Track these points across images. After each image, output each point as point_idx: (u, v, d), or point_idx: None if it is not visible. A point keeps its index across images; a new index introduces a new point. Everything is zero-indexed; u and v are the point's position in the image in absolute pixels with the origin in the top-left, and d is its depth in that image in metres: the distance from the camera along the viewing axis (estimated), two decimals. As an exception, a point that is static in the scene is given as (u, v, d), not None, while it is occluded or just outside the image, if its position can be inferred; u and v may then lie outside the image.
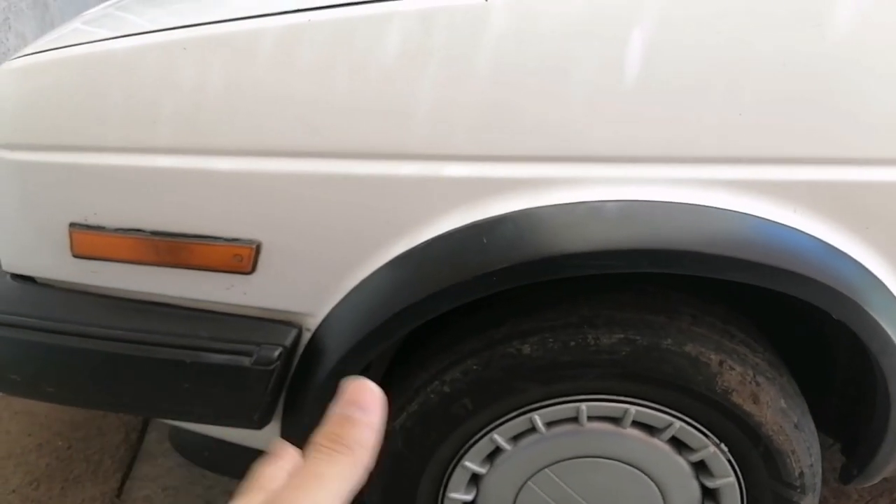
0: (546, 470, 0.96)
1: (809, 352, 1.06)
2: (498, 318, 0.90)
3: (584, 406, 0.90)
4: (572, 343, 0.85)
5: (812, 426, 0.94)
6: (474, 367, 0.88)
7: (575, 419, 0.92)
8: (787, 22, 0.72)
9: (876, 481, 1.05)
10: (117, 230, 0.86)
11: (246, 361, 0.86)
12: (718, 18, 0.72)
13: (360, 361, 0.86)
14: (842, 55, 0.72)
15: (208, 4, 0.92)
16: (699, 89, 0.73)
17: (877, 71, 0.72)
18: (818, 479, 0.96)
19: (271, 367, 0.86)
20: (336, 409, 0.29)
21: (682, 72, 0.73)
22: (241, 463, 1.10)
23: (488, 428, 0.93)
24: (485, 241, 0.78)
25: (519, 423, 0.92)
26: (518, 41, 0.74)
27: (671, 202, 0.76)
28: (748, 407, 0.87)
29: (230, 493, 1.42)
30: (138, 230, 0.85)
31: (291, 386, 0.91)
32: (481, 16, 0.75)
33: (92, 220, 0.87)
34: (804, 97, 0.73)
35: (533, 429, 0.93)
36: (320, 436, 0.28)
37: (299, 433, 0.93)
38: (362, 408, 0.28)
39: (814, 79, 0.73)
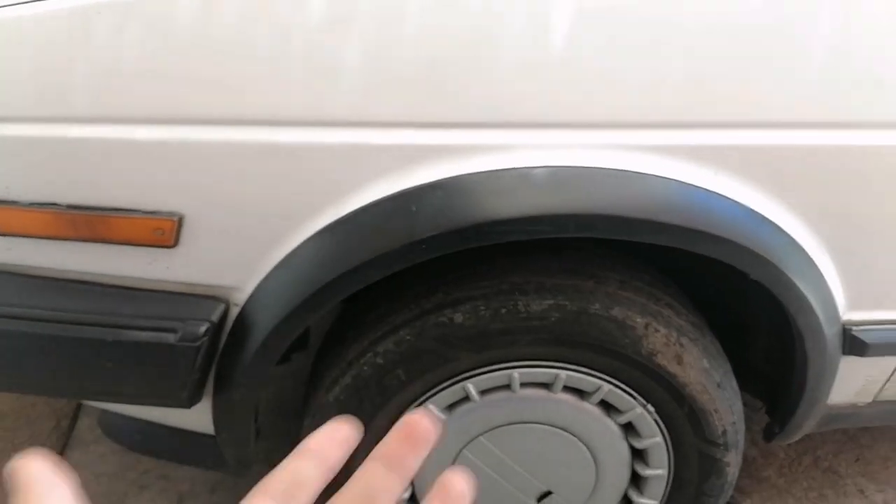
0: (480, 438, 0.97)
1: (735, 314, 1.10)
2: (429, 287, 0.90)
3: (516, 373, 0.91)
4: (503, 310, 0.86)
5: (734, 385, 0.97)
6: (407, 337, 0.88)
7: (508, 386, 0.93)
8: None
9: (797, 438, 1.10)
10: (31, 204, 0.82)
11: (171, 338, 0.83)
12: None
13: (289, 335, 0.85)
14: (759, 21, 0.74)
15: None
16: (622, 56, 0.74)
17: (791, 37, 0.75)
18: (741, 437, 0.99)
19: (197, 343, 0.84)
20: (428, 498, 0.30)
21: (605, 39, 0.74)
22: (172, 444, 1.08)
23: (422, 398, 0.93)
24: (413, 208, 0.77)
25: (452, 392, 0.93)
26: (446, 6, 0.74)
27: (596, 167, 0.78)
28: (672, 368, 0.89)
29: (165, 477, 1.39)
30: (53, 204, 0.82)
31: (221, 362, 0.89)
32: (406, -21, 0.74)
33: (4, 195, 0.83)
34: (722, 63, 0.75)
35: (466, 398, 0.94)
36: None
37: (230, 410, 0.92)
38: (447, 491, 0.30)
39: (731, 45, 0.74)
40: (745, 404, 1.19)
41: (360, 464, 0.30)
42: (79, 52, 0.77)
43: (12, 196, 0.83)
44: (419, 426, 0.31)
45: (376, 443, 0.31)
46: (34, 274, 0.88)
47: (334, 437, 0.31)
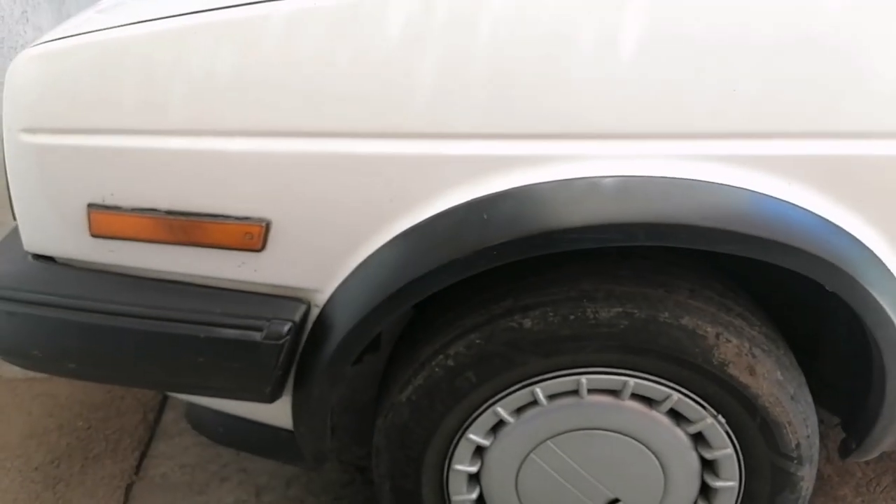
0: (548, 442, 0.99)
1: (811, 326, 1.08)
2: (500, 292, 0.92)
3: (584, 379, 0.93)
4: (572, 317, 0.88)
5: (809, 398, 0.96)
6: (477, 340, 0.91)
7: (575, 392, 0.95)
8: (780, 7, 0.74)
9: (874, 455, 1.07)
10: (133, 210, 0.90)
11: (257, 336, 0.89)
12: (715, 4, 0.74)
13: (366, 336, 0.89)
14: (832, 32, 0.74)
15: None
16: (694, 66, 0.75)
17: (867, 47, 0.74)
18: (815, 451, 0.98)
19: (281, 341, 0.89)
20: None
21: (677, 50, 0.75)
22: (253, 438, 1.14)
23: (491, 401, 0.95)
24: (485, 216, 0.80)
25: (521, 396, 0.95)
26: (516, 21, 0.77)
27: (667, 177, 0.79)
28: (745, 379, 0.89)
29: (244, 470, 1.46)
30: (153, 210, 0.89)
31: (301, 360, 0.94)
32: (480, -2, 0.77)
33: (109, 201, 0.90)
34: (796, 73, 0.75)
35: (535, 402, 0.96)
36: None
37: (308, 406, 0.97)
38: None
39: (805, 55, 0.74)
40: (820, 420, 1.16)
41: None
42: (177, 68, 0.84)
43: (116, 202, 0.90)
44: None
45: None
46: (134, 274, 0.95)
47: None
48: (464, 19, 0.77)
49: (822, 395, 1.09)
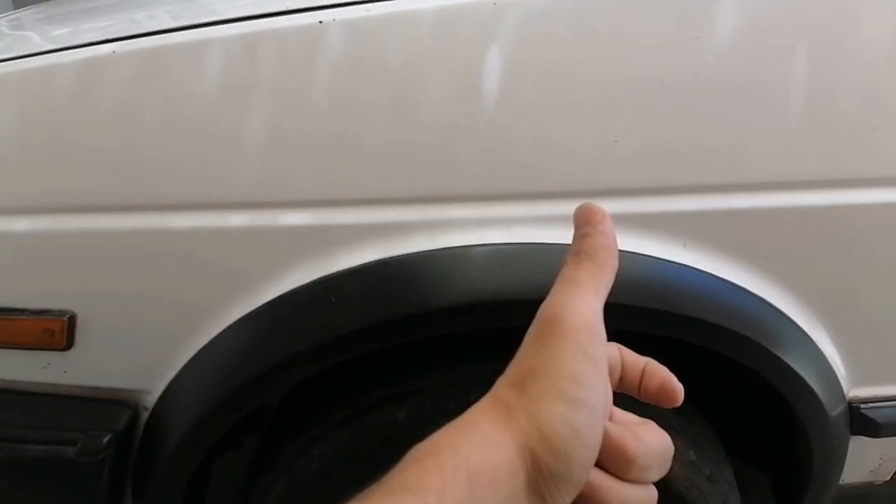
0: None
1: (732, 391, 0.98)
2: (368, 379, 0.78)
3: (473, 473, 0.79)
4: (452, 405, 0.75)
5: (729, 475, 0.84)
6: (344, 439, 0.76)
7: (466, 488, 0.81)
8: (663, 40, 0.63)
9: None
10: None
11: (70, 452, 0.73)
12: (585, 38, 0.63)
13: (206, 439, 0.74)
14: (724, 74, 0.63)
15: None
16: (568, 117, 0.64)
17: (762, 91, 0.64)
18: (740, 532, 0.86)
19: (101, 455, 0.73)
20: (574, 234, 0.35)
21: (547, 98, 0.63)
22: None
23: (369, 504, 0.81)
24: (333, 299, 0.67)
25: (403, 497, 0.81)
26: (360, 69, 0.64)
27: (544, 243, 0.67)
28: (654, 463, 0.77)
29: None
30: (-68, 306, 0.72)
31: (137, 470, 0.78)
32: (316, 40, 0.64)
33: None
34: (686, 120, 0.64)
35: None
36: (567, 255, 0.33)
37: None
38: (591, 223, 0.34)
39: (695, 100, 0.64)
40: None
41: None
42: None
43: None
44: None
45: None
46: (-80, 382, 0.78)
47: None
48: (297, 66, 0.64)
49: (752, 454, 0.99)
